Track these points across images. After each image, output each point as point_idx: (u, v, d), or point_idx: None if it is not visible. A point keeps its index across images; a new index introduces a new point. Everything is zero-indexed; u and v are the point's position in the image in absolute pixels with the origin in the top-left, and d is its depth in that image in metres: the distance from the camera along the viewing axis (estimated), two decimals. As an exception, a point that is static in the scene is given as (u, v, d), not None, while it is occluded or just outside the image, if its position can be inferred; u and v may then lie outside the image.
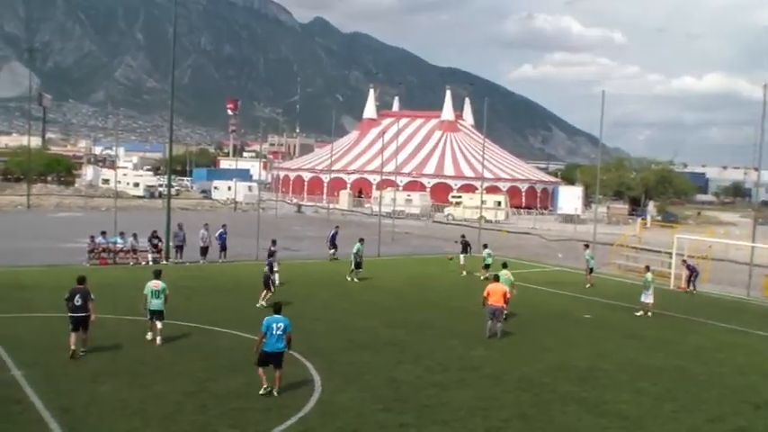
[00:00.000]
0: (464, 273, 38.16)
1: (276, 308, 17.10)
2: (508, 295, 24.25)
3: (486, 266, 36.77)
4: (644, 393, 17.99)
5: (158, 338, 20.80)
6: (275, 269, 28.62)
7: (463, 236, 40.77)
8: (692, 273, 36.26)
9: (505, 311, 24.39)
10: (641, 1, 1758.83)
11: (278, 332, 16.40)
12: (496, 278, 24.93)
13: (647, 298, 28.95)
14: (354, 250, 34.82)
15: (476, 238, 44.43)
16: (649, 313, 28.72)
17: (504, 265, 28.93)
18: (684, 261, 37.04)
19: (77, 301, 19.19)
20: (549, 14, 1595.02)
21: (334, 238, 41.87)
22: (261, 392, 16.26)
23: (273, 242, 33.31)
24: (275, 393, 16.28)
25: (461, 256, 39.13)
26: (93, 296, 19.58)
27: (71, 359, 18.63)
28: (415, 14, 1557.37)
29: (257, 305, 26.51)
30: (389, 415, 15.53)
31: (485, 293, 23.67)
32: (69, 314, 19.21)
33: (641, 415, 16.31)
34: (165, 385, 16.82)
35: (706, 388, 18.83)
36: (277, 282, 30.69)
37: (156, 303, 20.90)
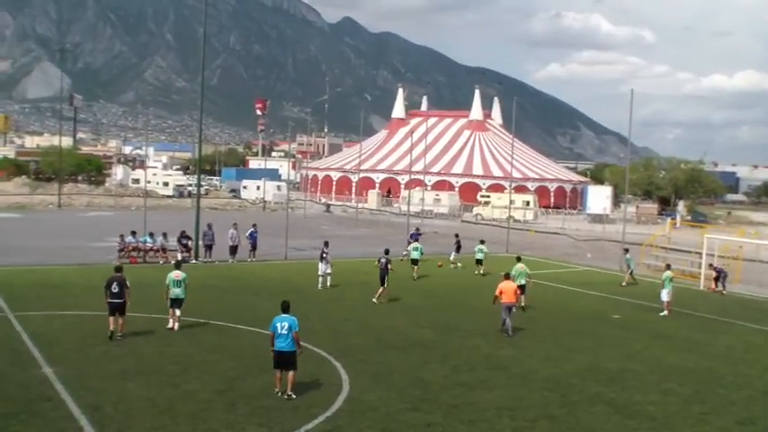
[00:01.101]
0: (458, 266, 39.57)
1: (283, 307, 16.92)
2: (518, 291, 24.50)
3: (477, 261, 37.95)
4: (672, 394, 17.89)
5: (176, 325, 21.94)
6: (389, 269, 29.19)
7: (457, 235, 42.74)
8: (720, 274, 35.91)
9: (521, 304, 24.53)
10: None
11: (283, 331, 16.33)
12: (507, 276, 24.87)
13: (665, 296, 28.77)
14: (420, 250, 36.34)
15: (504, 238, 44.28)
16: (665, 312, 28.50)
17: (519, 259, 29.57)
18: (711, 264, 36.69)
19: (114, 288, 20.62)
20: (578, 13, 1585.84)
21: (416, 237, 42.27)
22: (276, 392, 16.33)
23: (326, 243, 32.57)
24: (292, 396, 16.10)
25: (453, 254, 40.29)
26: (128, 283, 20.94)
27: (110, 340, 20.21)
28: (442, 13, 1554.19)
29: (373, 300, 28.28)
30: (417, 414, 15.56)
31: (497, 292, 23.74)
32: (107, 300, 20.55)
33: (669, 416, 16.22)
34: (194, 384, 16.98)
35: (735, 389, 18.66)
36: (329, 284, 30.99)
37: (176, 292, 21.99)
